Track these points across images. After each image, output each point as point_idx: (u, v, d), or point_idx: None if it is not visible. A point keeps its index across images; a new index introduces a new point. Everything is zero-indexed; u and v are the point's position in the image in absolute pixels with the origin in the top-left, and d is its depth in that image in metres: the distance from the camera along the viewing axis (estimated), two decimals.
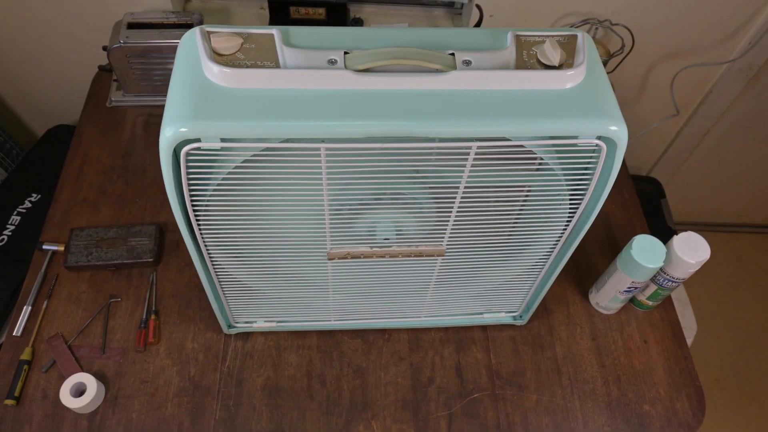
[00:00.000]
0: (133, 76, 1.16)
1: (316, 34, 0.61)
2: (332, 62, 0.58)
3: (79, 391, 0.86)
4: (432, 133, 0.56)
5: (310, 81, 0.56)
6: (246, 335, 0.94)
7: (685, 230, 0.90)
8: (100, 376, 0.89)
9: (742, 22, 1.23)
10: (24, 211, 1.24)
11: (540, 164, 0.66)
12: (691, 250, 0.87)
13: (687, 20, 1.23)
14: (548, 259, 0.79)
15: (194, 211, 0.65)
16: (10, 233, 1.20)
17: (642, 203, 1.18)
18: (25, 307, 0.95)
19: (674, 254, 0.87)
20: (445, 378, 0.92)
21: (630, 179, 1.19)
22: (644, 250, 0.86)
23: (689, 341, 1.38)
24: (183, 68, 0.58)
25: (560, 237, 0.74)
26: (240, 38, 0.58)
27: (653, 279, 0.93)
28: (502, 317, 0.95)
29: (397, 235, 0.74)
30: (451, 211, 0.68)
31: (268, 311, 0.89)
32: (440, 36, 0.62)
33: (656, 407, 0.91)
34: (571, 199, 0.68)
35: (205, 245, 0.71)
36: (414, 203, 0.71)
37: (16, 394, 0.87)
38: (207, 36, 0.58)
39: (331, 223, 0.70)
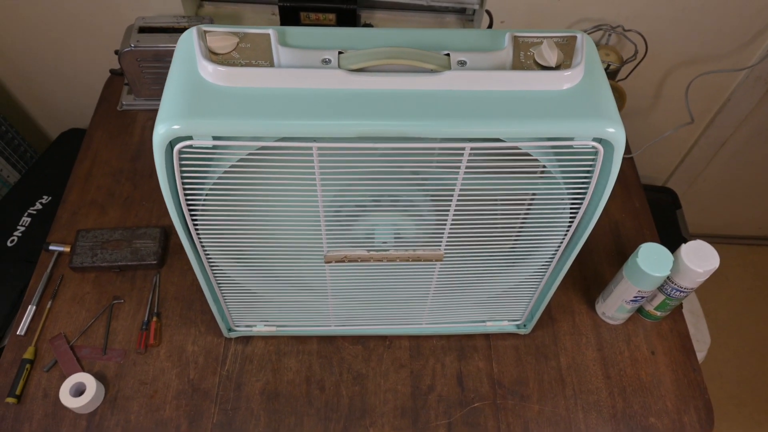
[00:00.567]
0: (143, 80, 1.17)
1: (312, 35, 0.61)
2: (326, 62, 0.57)
3: (78, 391, 0.86)
4: (424, 134, 0.55)
5: (303, 80, 0.56)
6: (246, 339, 0.94)
7: None
8: (100, 377, 0.90)
9: (761, 28, 1.21)
10: (34, 212, 1.25)
11: (540, 169, 0.64)
12: (700, 259, 0.85)
13: (702, 26, 1.21)
14: (550, 265, 0.77)
15: (191, 211, 0.65)
16: (20, 234, 1.21)
17: (657, 214, 1.15)
18: (29, 307, 0.96)
19: (682, 263, 0.85)
20: (446, 386, 0.91)
21: (641, 188, 1.16)
22: (651, 259, 0.84)
23: (702, 354, 1.34)
24: (179, 67, 0.58)
25: (561, 243, 0.72)
26: (236, 38, 0.58)
27: (661, 288, 0.90)
28: (505, 326, 0.94)
29: (395, 239, 0.73)
30: (447, 215, 0.67)
31: (268, 315, 0.88)
32: (437, 37, 0.61)
33: (662, 420, 0.89)
34: (571, 204, 0.66)
35: (203, 246, 0.71)
36: (412, 207, 0.70)
37: (18, 392, 0.87)
38: (203, 35, 0.58)
39: (327, 226, 0.69)
